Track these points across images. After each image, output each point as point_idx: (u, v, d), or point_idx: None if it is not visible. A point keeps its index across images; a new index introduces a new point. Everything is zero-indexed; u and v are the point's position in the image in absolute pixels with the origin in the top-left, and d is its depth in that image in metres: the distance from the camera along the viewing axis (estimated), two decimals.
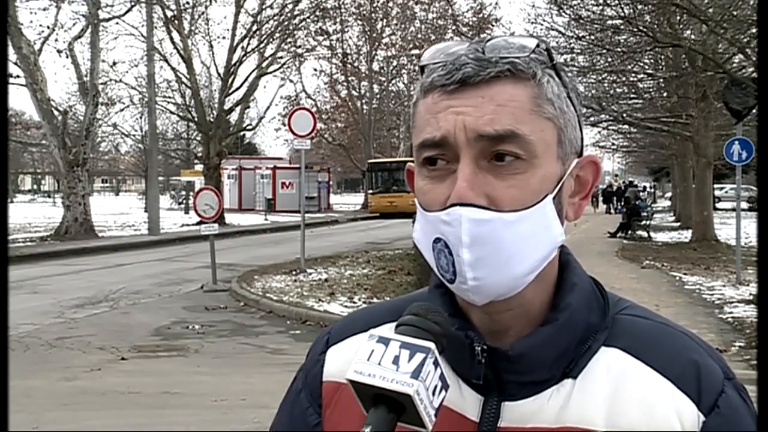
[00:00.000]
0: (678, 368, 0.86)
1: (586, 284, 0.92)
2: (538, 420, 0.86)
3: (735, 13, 13.30)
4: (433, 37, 43.94)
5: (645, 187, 51.19)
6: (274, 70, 33.91)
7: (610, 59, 17.70)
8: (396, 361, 0.75)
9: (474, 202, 0.81)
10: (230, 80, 31.40)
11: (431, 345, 0.77)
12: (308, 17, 32.58)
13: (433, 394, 0.75)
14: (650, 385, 0.85)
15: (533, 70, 0.84)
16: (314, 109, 31.47)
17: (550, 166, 0.85)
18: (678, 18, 17.35)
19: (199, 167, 40.13)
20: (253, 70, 32.50)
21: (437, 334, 0.79)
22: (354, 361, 0.77)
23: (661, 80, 22.60)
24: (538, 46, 0.85)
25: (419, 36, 44.81)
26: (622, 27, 16.57)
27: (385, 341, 0.77)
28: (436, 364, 0.76)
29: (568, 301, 0.88)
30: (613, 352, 0.88)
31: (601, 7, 17.70)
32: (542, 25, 19.87)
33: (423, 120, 0.86)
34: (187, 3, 30.08)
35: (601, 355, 0.88)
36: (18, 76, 21.97)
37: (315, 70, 71.75)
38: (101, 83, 25.83)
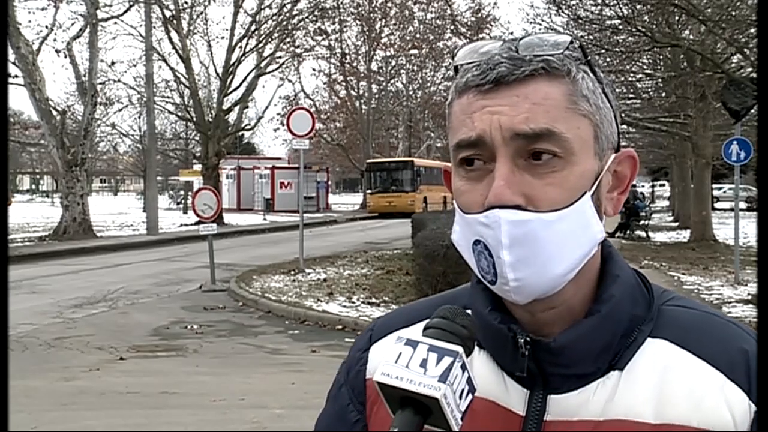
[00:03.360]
0: (727, 357, 0.85)
1: (629, 276, 0.92)
2: (584, 413, 0.85)
3: (733, 13, 13.31)
4: (431, 37, 44.09)
5: (643, 194, 50.89)
6: (273, 70, 33.96)
7: (608, 59, 17.68)
8: (424, 364, 0.76)
9: (512, 202, 0.81)
10: (229, 80, 31.41)
11: (459, 349, 0.77)
12: (307, 17, 32.59)
13: (460, 397, 0.76)
14: (699, 376, 0.84)
15: (567, 67, 0.84)
16: (313, 109, 31.48)
17: (588, 163, 0.85)
18: (676, 18, 17.37)
19: (197, 167, 40.07)
20: (252, 70, 32.54)
21: (464, 337, 0.80)
22: (381, 363, 0.78)
23: (660, 80, 22.60)
24: (571, 42, 0.85)
25: (418, 36, 44.88)
26: (620, 27, 16.57)
27: (413, 344, 0.78)
28: (463, 368, 0.77)
29: (611, 293, 0.88)
30: (660, 343, 0.87)
31: (599, 7, 17.71)
32: (541, 25, 19.91)
33: (458, 120, 0.86)
34: (186, 3, 30.10)
35: (647, 347, 0.87)
36: (16, 76, 21.97)
37: (314, 69, 72.17)
38: (100, 83, 25.88)
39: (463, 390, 0.76)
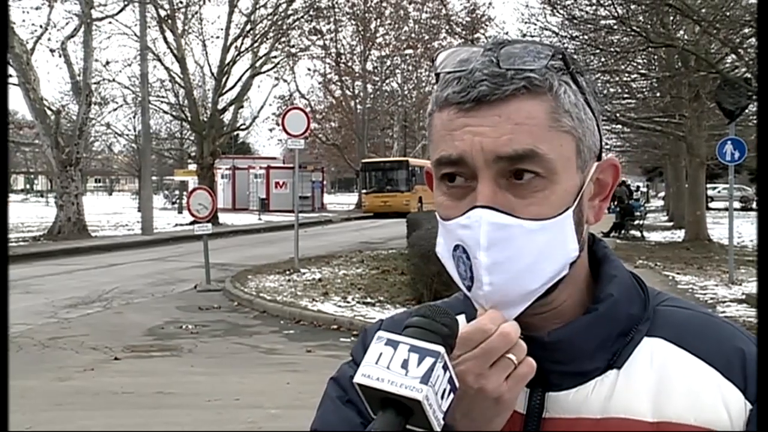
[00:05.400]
0: (723, 356, 0.86)
1: (626, 277, 0.92)
2: (582, 411, 0.86)
3: (728, 13, 13.34)
4: (426, 37, 44.09)
5: (638, 187, 51.09)
6: (268, 70, 33.88)
7: (603, 59, 17.70)
8: (405, 365, 0.75)
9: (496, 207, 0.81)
10: (224, 80, 31.34)
11: (440, 349, 0.76)
12: (302, 17, 32.55)
13: (442, 397, 0.75)
14: (696, 374, 0.85)
15: (549, 82, 0.83)
16: (308, 109, 31.49)
17: (570, 179, 0.84)
18: (671, 18, 17.41)
19: (192, 167, 40.01)
20: (247, 70, 32.44)
21: (445, 335, 0.79)
22: (362, 364, 0.77)
23: (655, 80, 22.64)
24: (553, 55, 0.83)
25: (413, 36, 44.90)
26: (615, 27, 16.61)
27: (393, 344, 0.77)
28: (445, 368, 0.76)
29: (610, 292, 0.89)
30: (657, 342, 0.88)
31: (594, 7, 17.73)
32: (536, 25, 19.85)
33: (439, 136, 0.86)
34: (181, 2, 30.00)
35: (644, 346, 0.88)
36: (11, 75, 21.89)
37: (309, 69, 71.98)
38: (94, 83, 25.78)
39: (445, 390, 0.75)
